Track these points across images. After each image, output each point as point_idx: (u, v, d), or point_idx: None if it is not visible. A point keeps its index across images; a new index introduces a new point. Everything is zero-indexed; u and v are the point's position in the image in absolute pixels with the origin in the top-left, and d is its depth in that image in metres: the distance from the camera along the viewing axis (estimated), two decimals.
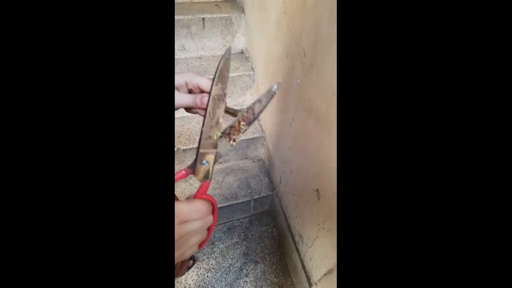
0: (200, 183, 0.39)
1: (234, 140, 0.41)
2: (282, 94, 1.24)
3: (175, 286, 1.44)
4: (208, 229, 0.38)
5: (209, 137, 0.38)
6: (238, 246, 1.63)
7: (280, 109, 1.32)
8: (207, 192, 0.39)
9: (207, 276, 1.49)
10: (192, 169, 0.39)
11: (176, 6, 1.57)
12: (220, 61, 0.37)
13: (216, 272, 1.51)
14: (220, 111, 0.38)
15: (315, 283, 0.89)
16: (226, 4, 1.70)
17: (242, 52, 1.75)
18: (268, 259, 1.59)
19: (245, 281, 1.49)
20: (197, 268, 1.52)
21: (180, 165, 1.54)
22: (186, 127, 1.62)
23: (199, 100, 0.44)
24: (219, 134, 0.39)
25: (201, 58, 1.69)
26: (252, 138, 1.64)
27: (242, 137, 1.68)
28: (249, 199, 1.59)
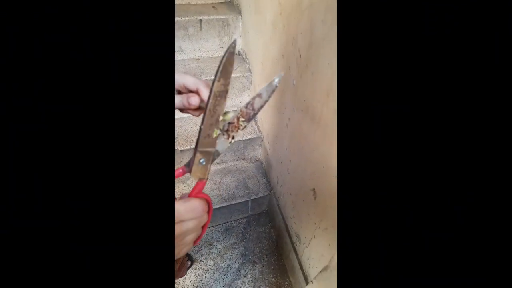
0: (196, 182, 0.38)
1: (233, 137, 0.39)
2: (278, 94, 1.25)
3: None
4: (203, 227, 0.38)
5: (208, 135, 0.36)
6: (236, 247, 1.63)
7: (277, 109, 1.32)
8: (205, 192, 0.38)
9: (205, 277, 1.49)
10: (189, 167, 0.38)
11: None
12: (224, 55, 0.34)
13: (214, 272, 1.51)
14: (221, 108, 0.36)
15: (311, 281, 0.90)
16: (223, 5, 1.71)
17: (239, 53, 1.75)
18: (266, 259, 1.59)
19: (243, 281, 1.49)
20: (195, 269, 1.51)
21: (178, 166, 1.54)
22: (183, 128, 1.62)
23: (186, 100, 0.42)
24: (218, 132, 0.37)
25: (199, 59, 1.69)
26: (249, 139, 1.65)
27: (240, 138, 1.69)
28: (247, 199, 1.59)
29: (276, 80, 0.38)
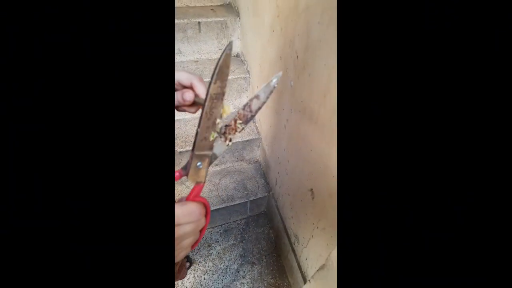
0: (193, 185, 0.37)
1: (230, 140, 0.38)
2: (276, 96, 1.25)
3: None
4: (200, 231, 0.38)
5: (205, 138, 0.36)
6: (235, 248, 1.62)
7: (275, 110, 1.33)
8: (203, 195, 0.37)
9: (204, 278, 1.48)
10: (186, 171, 0.37)
11: None
12: (220, 57, 0.33)
13: (213, 274, 1.51)
14: (218, 111, 0.35)
15: (309, 281, 0.91)
16: (221, 8, 1.71)
17: (237, 55, 1.76)
18: (264, 260, 1.59)
19: (242, 282, 1.49)
20: (194, 270, 1.51)
21: (176, 167, 1.53)
22: (182, 129, 1.62)
23: (180, 96, 0.41)
24: (215, 135, 0.36)
25: (197, 61, 1.70)
26: (248, 140, 1.65)
27: (239, 139, 1.68)
28: (246, 200, 1.59)
29: (274, 80, 0.37)
